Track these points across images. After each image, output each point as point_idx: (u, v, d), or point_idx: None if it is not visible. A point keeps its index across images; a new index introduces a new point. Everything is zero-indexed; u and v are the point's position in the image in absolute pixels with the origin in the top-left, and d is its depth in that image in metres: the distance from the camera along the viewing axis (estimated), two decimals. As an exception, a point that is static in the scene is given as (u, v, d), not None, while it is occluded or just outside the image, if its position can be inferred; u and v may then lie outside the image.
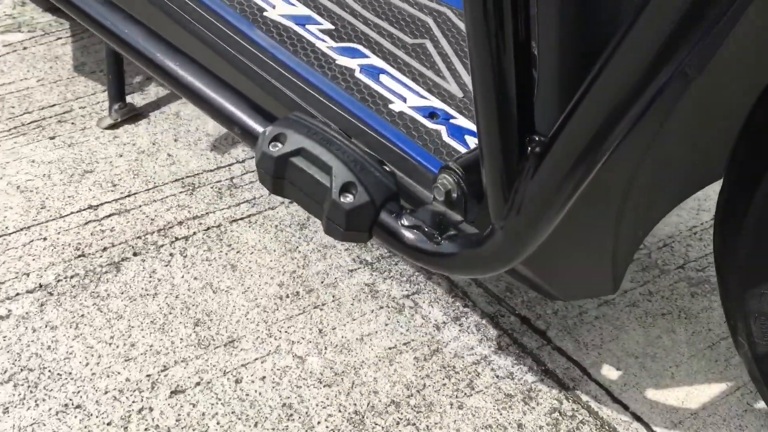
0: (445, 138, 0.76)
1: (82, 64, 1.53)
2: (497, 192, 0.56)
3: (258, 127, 0.73)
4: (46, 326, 1.07)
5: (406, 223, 0.68)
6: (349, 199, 0.69)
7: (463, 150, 0.75)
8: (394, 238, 0.68)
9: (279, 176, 0.71)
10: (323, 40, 0.83)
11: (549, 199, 0.54)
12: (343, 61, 0.81)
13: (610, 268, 0.79)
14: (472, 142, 0.76)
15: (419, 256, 0.67)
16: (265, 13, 0.84)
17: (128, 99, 1.42)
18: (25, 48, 1.56)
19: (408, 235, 0.67)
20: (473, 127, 0.77)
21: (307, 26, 0.83)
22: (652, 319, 1.11)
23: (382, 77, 0.80)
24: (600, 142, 0.48)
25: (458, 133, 0.77)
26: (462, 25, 0.88)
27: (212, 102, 0.73)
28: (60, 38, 1.59)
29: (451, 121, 0.78)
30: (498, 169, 0.55)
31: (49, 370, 1.02)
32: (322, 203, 0.70)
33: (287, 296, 1.12)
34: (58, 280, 1.13)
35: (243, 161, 1.35)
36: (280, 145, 0.71)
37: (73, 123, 1.40)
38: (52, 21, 1.64)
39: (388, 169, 0.72)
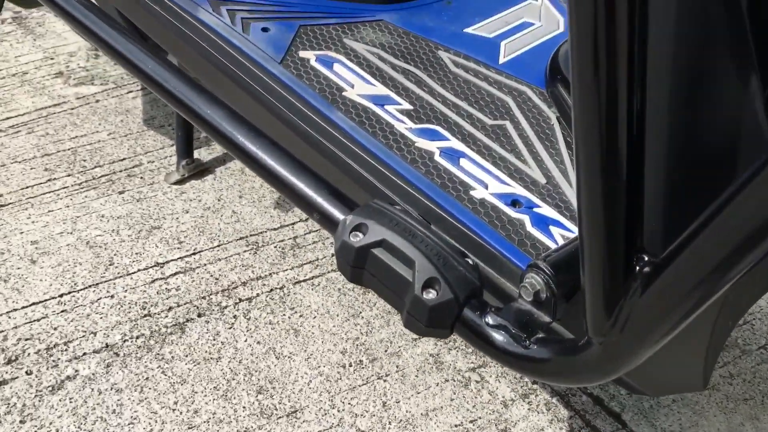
0: (529, 228, 0.73)
1: (152, 118, 1.55)
2: (598, 308, 0.53)
3: (339, 215, 0.71)
4: (111, 388, 1.06)
5: (491, 321, 0.65)
6: (431, 295, 0.66)
7: (547, 241, 0.72)
8: (479, 337, 0.64)
9: (359, 266, 0.69)
10: (402, 121, 0.81)
11: (658, 322, 0.50)
12: (422, 143, 0.79)
13: (702, 365, 0.74)
14: (557, 233, 0.73)
15: (505, 359, 0.63)
16: (344, 93, 0.82)
17: (195, 154, 1.43)
18: (97, 101, 1.59)
19: (493, 335, 0.64)
20: (558, 217, 0.74)
21: (385, 106, 0.82)
22: (734, 405, 1.05)
23: (462, 161, 0.78)
24: (725, 269, 0.45)
25: (542, 223, 0.73)
26: (543, 105, 0.85)
27: (293, 186, 0.72)
28: (131, 91, 1.62)
29: (535, 209, 0.74)
30: (601, 285, 0.51)
31: (114, 436, 1.00)
32: (402, 297, 0.67)
33: (350, 365, 1.10)
34: (124, 341, 1.13)
35: (306, 220, 1.34)
36: (361, 235, 0.68)
37: (141, 177, 1.41)
38: (123, 74, 1.67)
39: (471, 262, 0.69)
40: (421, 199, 0.74)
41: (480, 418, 1.03)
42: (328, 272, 1.24)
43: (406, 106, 0.82)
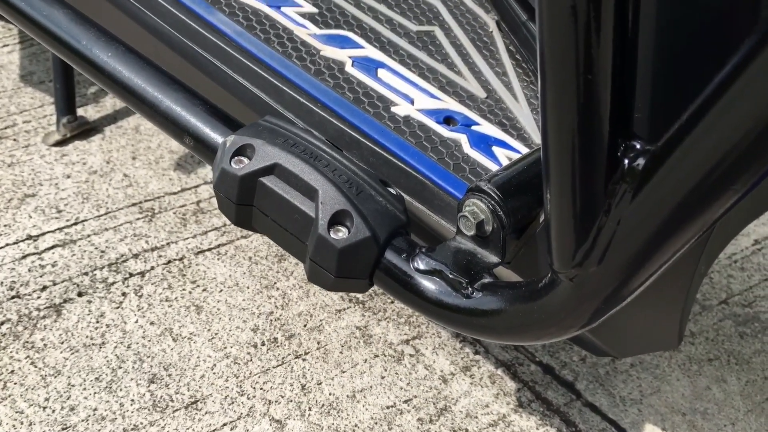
0: (467, 150, 0.56)
1: (30, 74, 1.32)
2: (568, 227, 0.36)
3: (217, 137, 0.53)
4: (-35, 386, 0.85)
5: (421, 266, 0.48)
6: (341, 234, 0.48)
7: (491, 165, 0.55)
8: (406, 287, 0.48)
9: (245, 202, 0.51)
10: (303, 26, 0.63)
11: (656, 238, 0.34)
12: (329, 52, 0.61)
13: (678, 320, 0.59)
14: (502, 155, 0.56)
15: (442, 314, 0.46)
16: (228, -8, 0.63)
17: (80, 111, 1.21)
18: (-36, 56, 1.34)
19: (425, 283, 0.47)
20: (502, 136, 0.58)
21: (282, 8, 0.63)
22: (698, 366, 0.92)
23: (381, 72, 0.60)
24: (754, 150, 0.29)
25: (483, 143, 0.57)
26: (478, 10, 0.68)
27: (154, 104, 0.53)
28: (6, 45, 1.38)
29: (473, 128, 0.58)
30: (573, 192, 0.35)
31: (-36, 445, 0.80)
32: (304, 240, 0.50)
33: (263, 344, 0.91)
34: (-15, 328, 0.91)
35: (211, 182, 1.15)
36: (246, 160, 0.50)
37: (15, 139, 1.18)
38: (-3, 27, 1.43)
39: (393, 192, 0.52)
40: (330, 119, 0.56)
41: (416, 396, 0.87)
42: (237, 239, 1.05)
43: (309, 8, 0.64)
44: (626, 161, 0.34)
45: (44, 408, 0.83)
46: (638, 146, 0.33)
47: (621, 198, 0.34)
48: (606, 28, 0.31)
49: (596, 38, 0.31)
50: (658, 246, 0.35)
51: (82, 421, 0.82)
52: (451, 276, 0.47)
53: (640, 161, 0.33)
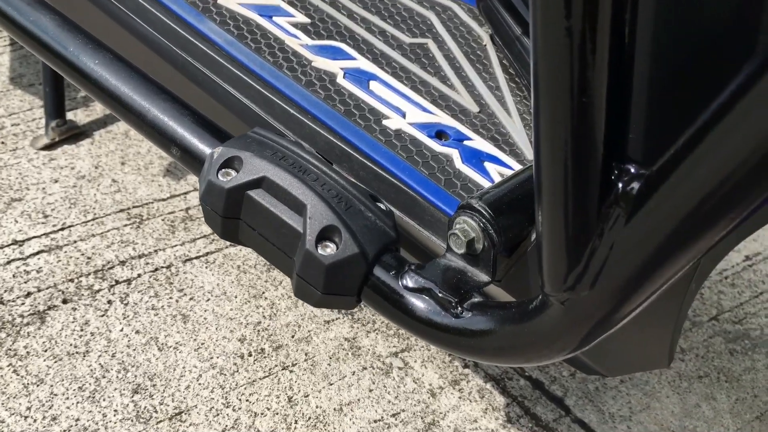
0: (458, 165, 0.55)
1: (20, 76, 1.30)
2: (560, 251, 0.36)
3: (205, 148, 0.52)
4: (-55, 394, 0.83)
5: (410, 284, 0.47)
6: (330, 250, 0.47)
7: (482, 181, 0.55)
8: (394, 305, 0.47)
9: (232, 215, 0.50)
10: (295, 36, 0.62)
11: (650, 262, 0.33)
12: (321, 63, 0.60)
13: (669, 339, 0.59)
14: (494, 171, 0.56)
15: (430, 333, 0.45)
16: (219, 2, 0.63)
17: (70, 115, 1.20)
18: (-47, 57, 1.33)
19: (414, 301, 0.46)
20: (494, 152, 0.57)
21: (274, 18, 0.63)
22: (688, 383, 0.91)
23: (373, 85, 0.59)
24: (754, 174, 0.29)
25: (475, 158, 0.56)
26: (472, 23, 0.68)
27: (142, 113, 0.52)
28: (-4, 47, 1.37)
29: (465, 143, 0.57)
30: (565, 215, 0.34)
31: (-58, 455, 0.78)
32: (291, 255, 0.49)
33: (250, 354, 0.90)
34: (-34, 335, 0.89)
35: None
36: (233, 172, 0.49)
37: (2, 142, 1.17)
38: (-12, 28, 1.41)
39: (383, 207, 0.51)
40: (320, 131, 0.55)
41: (404, 410, 0.85)
42: (226, 247, 1.04)
43: (301, 18, 0.63)
44: (620, 185, 0.33)
45: (25, 417, 0.82)
46: (633, 170, 0.33)
47: (614, 222, 0.33)
48: (602, 50, 0.30)
49: (592, 60, 0.30)
50: (651, 271, 0.34)
51: (64, 431, 0.81)
52: (440, 294, 0.46)
53: (635, 185, 0.33)
